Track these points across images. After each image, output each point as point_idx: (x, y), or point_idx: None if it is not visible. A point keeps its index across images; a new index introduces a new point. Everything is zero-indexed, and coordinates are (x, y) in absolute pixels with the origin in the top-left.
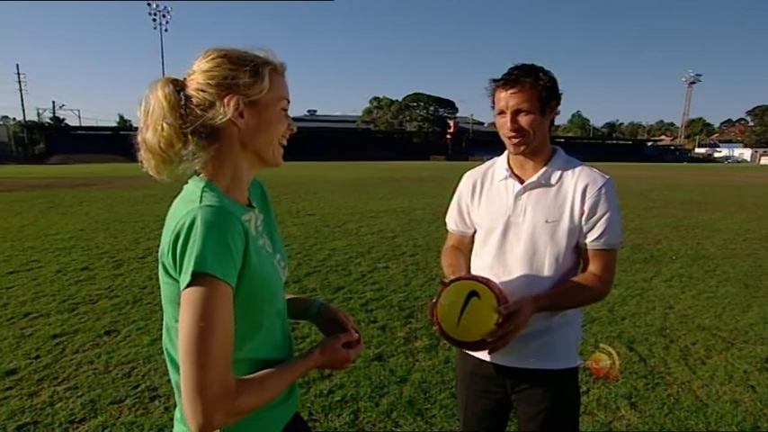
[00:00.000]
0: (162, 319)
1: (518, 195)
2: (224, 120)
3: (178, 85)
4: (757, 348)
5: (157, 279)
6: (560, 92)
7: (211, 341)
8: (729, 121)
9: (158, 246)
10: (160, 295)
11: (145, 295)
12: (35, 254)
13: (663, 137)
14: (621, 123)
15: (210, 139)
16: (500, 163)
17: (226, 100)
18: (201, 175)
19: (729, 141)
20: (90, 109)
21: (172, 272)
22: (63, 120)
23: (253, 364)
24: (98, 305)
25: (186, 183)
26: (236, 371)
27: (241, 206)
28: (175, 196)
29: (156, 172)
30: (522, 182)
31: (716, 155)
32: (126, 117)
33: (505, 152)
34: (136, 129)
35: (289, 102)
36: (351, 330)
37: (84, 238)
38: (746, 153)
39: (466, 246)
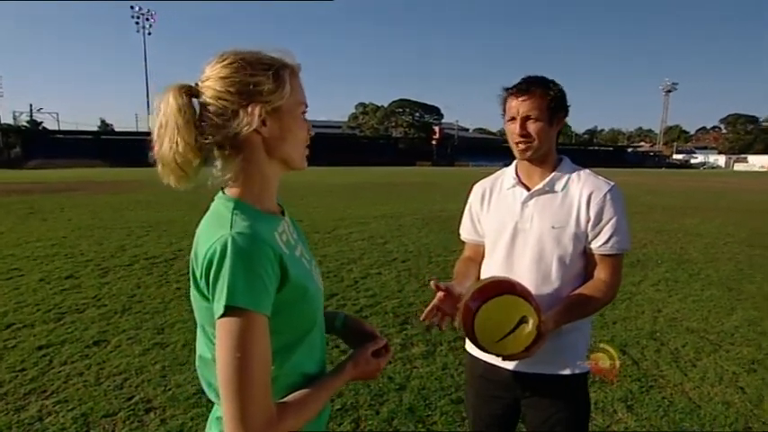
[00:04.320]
0: (153, 329)
1: (525, 202)
2: (249, 130)
3: (192, 93)
4: (744, 350)
5: (147, 287)
6: (568, 104)
7: (250, 372)
8: (704, 128)
9: (146, 253)
10: (150, 304)
11: (134, 304)
12: (15, 262)
13: (642, 143)
14: (602, 130)
15: (234, 150)
16: (509, 172)
17: (249, 109)
18: (230, 191)
19: (705, 148)
20: (69, 113)
21: (208, 297)
22: (41, 123)
23: (297, 378)
24: (85, 314)
25: (214, 196)
26: (282, 385)
27: (274, 217)
28: (162, 203)
29: (177, 184)
30: (528, 189)
31: (692, 161)
32: (108, 121)
33: (514, 162)
34: (121, 133)
35: (307, 105)
36: (379, 338)
37: (68, 246)
38: (721, 159)
39: (480, 255)
